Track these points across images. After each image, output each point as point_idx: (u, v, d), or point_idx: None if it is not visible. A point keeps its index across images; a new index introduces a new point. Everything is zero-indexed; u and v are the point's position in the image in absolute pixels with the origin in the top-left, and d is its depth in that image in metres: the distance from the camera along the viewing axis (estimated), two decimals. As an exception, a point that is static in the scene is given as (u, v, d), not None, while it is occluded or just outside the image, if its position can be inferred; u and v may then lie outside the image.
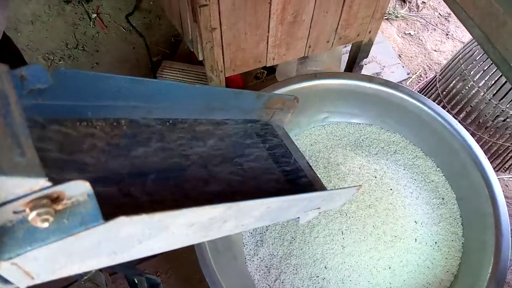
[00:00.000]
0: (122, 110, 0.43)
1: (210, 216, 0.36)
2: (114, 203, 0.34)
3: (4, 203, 0.25)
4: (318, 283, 1.06)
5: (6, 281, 0.28)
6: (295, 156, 0.57)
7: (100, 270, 1.01)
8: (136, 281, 0.76)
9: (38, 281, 0.30)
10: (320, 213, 0.53)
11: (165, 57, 1.55)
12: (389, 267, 1.04)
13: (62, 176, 0.34)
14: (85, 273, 0.72)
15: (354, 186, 0.50)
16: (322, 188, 0.52)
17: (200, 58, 1.10)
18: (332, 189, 0.47)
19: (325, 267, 1.06)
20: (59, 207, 0.28)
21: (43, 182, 0.26)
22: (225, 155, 0.50)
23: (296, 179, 0.53)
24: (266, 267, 1.11)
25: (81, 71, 0.38)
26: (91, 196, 0.29)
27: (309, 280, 1.06)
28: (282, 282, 1.07)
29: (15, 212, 0.26)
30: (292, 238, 1.10)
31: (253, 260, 1.12)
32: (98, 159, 0.40)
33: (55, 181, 0.27)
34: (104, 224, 0.28)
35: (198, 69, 1.44)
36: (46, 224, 0.27)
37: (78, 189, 0.28)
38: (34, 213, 0.26)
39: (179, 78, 1.41)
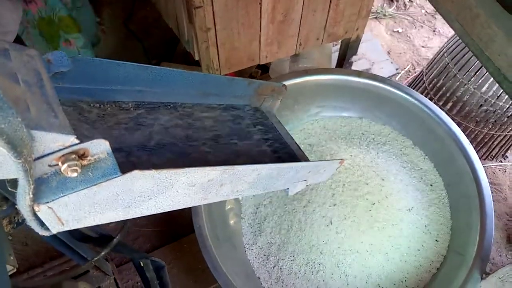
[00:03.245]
0: (129, 94, 0.50)
1: (209, 177, 0.42)
2: (125, 169, 0.40)
3: (42, 156, 0.31)
4: (315, 267, 1.11)
5: (42, 225, 0.34)
6: (284, 137, 0.64)
7: (107, 259, 1.07)
8: (142, 264, 0.82)
9: (66, 228, 0.36)
10: (307, 185, 0.59)
11: (163, 59, 1.62)
12: (382, 251, 1.09)
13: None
14: (93, 256, 0.77)
15: (337, 159, 0.56)
16: (306, 160, 0.58)
17: (197, 58, 1.17)
18: (316, 161, 0.53)
19: (320, 252, 1.11)
20: (85, 162, 0.34)
21: (72, 139, 0.32)
22: (221, 135, 0.56)
23: (286, 156, 0.59)
24: (265, 255, 1.16)
25: (96, 59, 0.44)
26: (110, 154, 0.35)
27: (306, 266, 1.12)
28: (281, 268, 1.13)
29: (50, 165, 0.33)
30: (289, 226, 1.16)
31: (252, 249, 1.17)
32: (109, 134, 0.46)
33: (81, 140, 0.33)
34: (121, 176, 0.35)
35: (195, 69, 1.51)
36: (75, 174, 0.33)
37: (100, 147, 0.34)
38: (65, 165, 0.32)
39: (177, 79, 1.47)
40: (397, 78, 1.67)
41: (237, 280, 1.01)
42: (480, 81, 1.27)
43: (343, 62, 1.43)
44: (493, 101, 1.27)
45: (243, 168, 0.44)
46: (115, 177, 0.34)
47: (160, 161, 0.47)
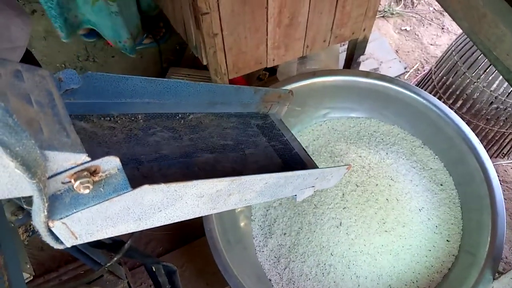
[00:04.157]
0: (138, 106, 0.51)
1: (217, 188, 0.43)
2: (136, 183, 0.42)
3: (56, 174, 0.33)
4: (325, 269, 1.12)
5: (57, 239, 0.35)
6: (292, 143, 0.64)
7: (120, 263, 1.09)
8: (154, 269, 0.83)
9: (80, 241, 0.37)
10: (315, 191, 0.59)
11: (171, 64, 1.63)
12: (392, 252, 1.10)
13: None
14: (105, 262, 0.79)
15: (344, 165, 0.57)
16: (313, 167, 0.58)
17: (205, 63, 1.18)
18: (323, 168, 0.54)
19: (331, 254, 1.12)
20: (96, 178, 0.35)
21: (84, 157, 0.33)
22: (228, 143, 0.57)
23: (293, 163, 0.60)
24: (275, 257, 1.17)
25: (105, 74, 0.45)
26: (121, 169, 0.36)
27: (316, 267, 1.12)
28: (291, 270, 1.14)
29: (63, 183, 0.34)
30: (299, 228, 1.16)
31: (263, 251, 1.18)
32: (120, 147, 0.47)
33: (93, 157, 0.35)
34: (132, 191, 0.36)
35: (203, 74, 1.52)
36: (87, 191, 0.34)
37: (111, 164, 0.35)
38: (78, 182, 0.33)
39: (186, 83, 1.49)
40: (405, 77, 1.66)
41: (248, 283, 1.02)
42: (489, 79, 1.26)
43: (351, 62, 1.43)
44: (503, 99, 1.26)
45: (251, 178, 0.45)
46: (126, 192, 0.35)
47: (170, 172, 0.49)
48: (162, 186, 0.37)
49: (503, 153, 1.45)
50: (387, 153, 1.26)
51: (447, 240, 1.14)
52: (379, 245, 1.10)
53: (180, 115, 0.55)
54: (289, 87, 1.25)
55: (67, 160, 0.32)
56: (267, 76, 1.59)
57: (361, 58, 1.45)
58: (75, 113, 0.45)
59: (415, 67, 1.69)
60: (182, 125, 0.55)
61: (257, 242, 1.20)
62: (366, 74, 1.28)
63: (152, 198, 0.38)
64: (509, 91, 1.24)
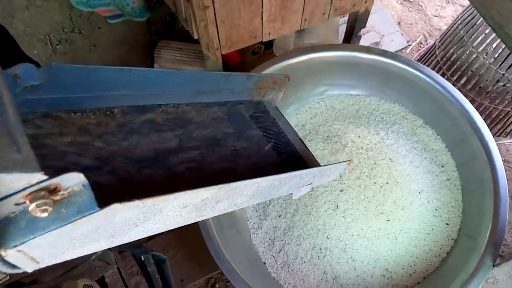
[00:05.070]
0: (114, 99, 0.45)
1: (203, 197, 0.38)
2: (111, 188, 0.36)
3: (5, 197, 0.27)
4: (321, 252, 1.09)
5: (14, 266, 0.30)
6: (288, 134, 0.59)
7: (109, 248, 1.05)
8: (143, 259, 0.80)
9: (43, 265, 0.32)
10: (312, 188, 0.55)
11: (162, 37, 1.55)
12: (390, 235, 1.07)
13: (61, 167, 0.36)
14: (93, 253, 0.75)
15: (345, 161, 0.52)
16: (314, 164, 0.53)
17: (195, 37, 1.10)
18: (322, 166, 0.49)
19: (327, 237, 1.09)
20: (57, 197, 0.30)
21: (39, 176, 0.28)
22: (217, 137, 0.52)
23: (289, 157, 0.55)
24: (270, 239, 1.14)
25: (72, 66, 0.39)
26: (86, 186, 0.31)
27: (312, 250, 1.09)
28: (286, 253, 1.11)
29: (16, 204, 0.29)
30: (295, 210, 1.13)
31: (257, 233, 1.15)
32: (93, 148, 0.41)
33: (52, 174, 0.29)
34: (99, 211, 0.31)
35: (195, 47, 1.44)
36: (45, 214, 0.29)
37: (73, 180, 0.30)
38: (33, 204, 0.28)
39: (177, 57, 1.41)
40: (407, 51, 1.59)
41: (241, 268, 0.99)
42: (497, 56, 1.20)
43: (351, 36, 1.35)
44: (510, 77, 1.20)
45: (241, 184, 0.40)
46: (93, 213, 0.30)
47: (151, 174, 0.43)
48: (136, 203, 0.32)
49: (506, 132, 1.41)
50: (387, 133, 1.21)
51: (447, 224, 1.11)
52: (376, 229, 1.07)
53: (163, 107, 0.50)
54: (286, 63, 1.19)
55: (17, 181, 0.27)
56: (263, 50, 1.51)
57: (362, 31, 1.37)
58: (38, 110, 0.39)
59: (417, 40, 1.61)
60: (165, 118, 0.49)
61: (251, 225, 1.17)
62: (367, 50, 1.21)
63: (126, 215, 0.33)
64: (518, 68, 1.17)
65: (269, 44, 1.50)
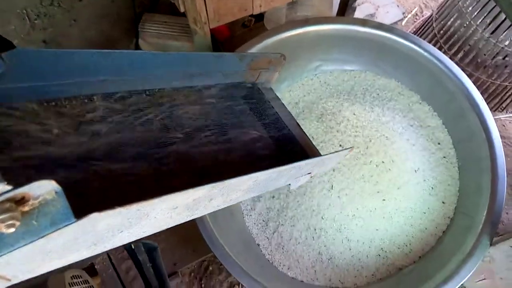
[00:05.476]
0: (93, 86, 0.40)
1: (195, 197, 0.34)
2: (90, 191, 0.32)
3: (-39, 213, 0.23)
4: (316, 233, 1.07)
5: (-21, 287, 0.27)
6: (284, 119, 0.55)
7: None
8: (133, 247, 0.77)
9: (16, 281, 0.29)
10: (311, 176, 0.51)
11: (146, 9, 1.47)
12: (386, 215, 1.05)
13: (30, 168, 0.32)
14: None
15: (346, 149, 0.48)
16: (313, 151, 0.50)
17: (182, 10, 1.04)
18: (323, 155, 0.45)
19: (321, 217, 1.07)
20: (26, 208, 0.26)
21: (2, 187, 0.24)
22: (209, 125, 0.47)
23: (286, 144, 0.51)
24: (264, 220, 1.12)
25: (41, 50, 0.34)
26: (60, 193, 0.26)
27: (306, 231, 1.08)
28: (280, 234, 1.09)
29: (-24, 219, 0.24)
30: (288, 191, 1.10)
31: (250, 215, 1.13)
32: (71, 142, 0.37)
33: (17, 179, 0.25)
34: (76, 222, 0.27)
35: (182, 21, 1.37)
36: (12, 230, 0.25)
37: (44, 188, 0.26)
38: (-4, 219, 0.24)
39: (162, 32, 1.34)
40: (403, 23, 1.53)
41: (235, 250, 0.97)
42: (496, 28, 1.15)
43: (346, 7, 1.30)
44: (510, 50, 1.16)
45: (236, 180, 0.36)
46: (69, 225, 0.26)
47: (136, 169, 0.39)
48: (118, 210, 0.28)
49: (502, 107, 1.38)
50: (382, 110, 1.18)
51: (443, 202, 1.10)
52: (372, 208, 1.05)
53: (147, 92, 0.45)
54: (278, 37, 1.13)
55: (-25, 194, 0.23)
56: (253, 23, 1.44)
57: (357, 2, 1.31)
58: (4, 101, 0.34)
59: (413, 11, 1.56)
60: (150, 105, 0.45)
61: (244, 206, 1.14)
62: (363, 23, 1.15)
63: (108, 223, 0.29)
64: (518, 42, 1.14)
65: (259, 17, 1.43)
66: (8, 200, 0.25)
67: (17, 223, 0.25)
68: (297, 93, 1.25)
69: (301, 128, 0.54)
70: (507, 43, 1.15)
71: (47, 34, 1.47)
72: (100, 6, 1.48)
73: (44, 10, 1.47)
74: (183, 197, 0.33)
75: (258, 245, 1.10)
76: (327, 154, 0.44)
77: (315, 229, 1.07)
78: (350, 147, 0.51)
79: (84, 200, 0.28)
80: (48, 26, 1.47)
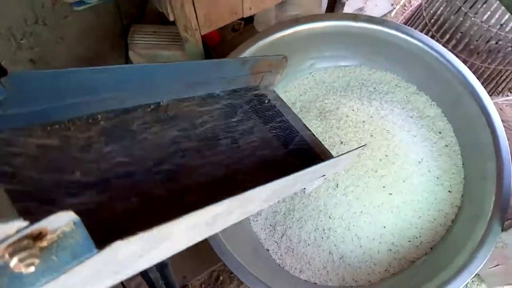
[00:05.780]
0: (94, 105, 0.38)
1: (215, 213, 0.33)
2: (106, 213, 0.31)
3: (-24, 255, 0.21)
4: (325, 233, 1.06)
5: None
6: (290, 121, 0.54)
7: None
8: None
9: (37, 320, 0.27)
10: (325, 178, 0.50)
11: (134, 20, 1.45)
12: (393, 209, 1.04)
13: (45, 197, 0.30)
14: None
15: (359, 147, 0.47)
16: (322, 151, 0.49)
17: (171, 19, 1.02)
18: (337, 156, 0.44)
19: (329, 217, 1.05)
20: (44, 243, 0.24)
21: (18, 224, 0.22)
22: (216, 134, 0.46)
23: (296, 147, 0.50)
24: (271, 225, 1.10)
25: (37, 71, 0.32)
26: (78, 223, 0.25)
27: (315, 232, 1.06)
28: (289, 237, 1.08)
29: (-8, 260, 0.23)
30: (294, 193, 1.09)
31: (257, 220, 1.11)
32: (79, 166, 0.35)
33: (33, 212, 0.23)
34: (98, 252, 0.25)
35: (172, 29, 1.35)
36: (32, 269, 0.23)
37: (62, 220, 0.24)
38: (15, 259, 0.22)
39: (152, 42, 1.32)
40: (392, 15, 1.53)
41: (245, 258, 0.95)
42: (488, 13, 1.15)
43: (335, 4, 1.29)
44: (503, 34, 1.16)
45: (256, 191, 0.35)
46: (91, 256, 0.25)
47: (151, 190, 0.38)
48: (141, 235, 0.26)
49: (498, 91, 1.38)
50: (380, 103, 1.17)
51: (449, 191, 1.09)
52: (379, 204, 1.04)
53: (152, 106, 0.43)
54: (270, 38, 1.12)
55: (-11, 234, 0.21)
56: (243, 26, 1.43)
57: (346, -3, 1.31)
58: (8, 126, 0.32)
59: (401, 2, 1.56)
60: (156, 118, 0.43)
61: (250, 212, 1.13)
62: (354, 17, 1.15)
63: (130, 249, 0.28)
64: (510, 25, 1.13)
65: (249, 20, 1.42)
66: (26, 237, 0.23)
67: (37, 261, 0.23)
68: (293, 93, 1.24)
69: (310, 130, 0.52)
70: (499, 27, 1.15)
71: (34, 53, 1.44)
72: (86, 21, 1.45)
73: (30, 29, 1.44)
74: (204, 213, 0.31)
75: (268, 250, 1.09)
76: (341, 155, 0.43)
77: (323, 229, 1.06)
78: (363, 145, 0.50)
79: (101, 229, 0.26)
80: (34, 45, 1.44)
